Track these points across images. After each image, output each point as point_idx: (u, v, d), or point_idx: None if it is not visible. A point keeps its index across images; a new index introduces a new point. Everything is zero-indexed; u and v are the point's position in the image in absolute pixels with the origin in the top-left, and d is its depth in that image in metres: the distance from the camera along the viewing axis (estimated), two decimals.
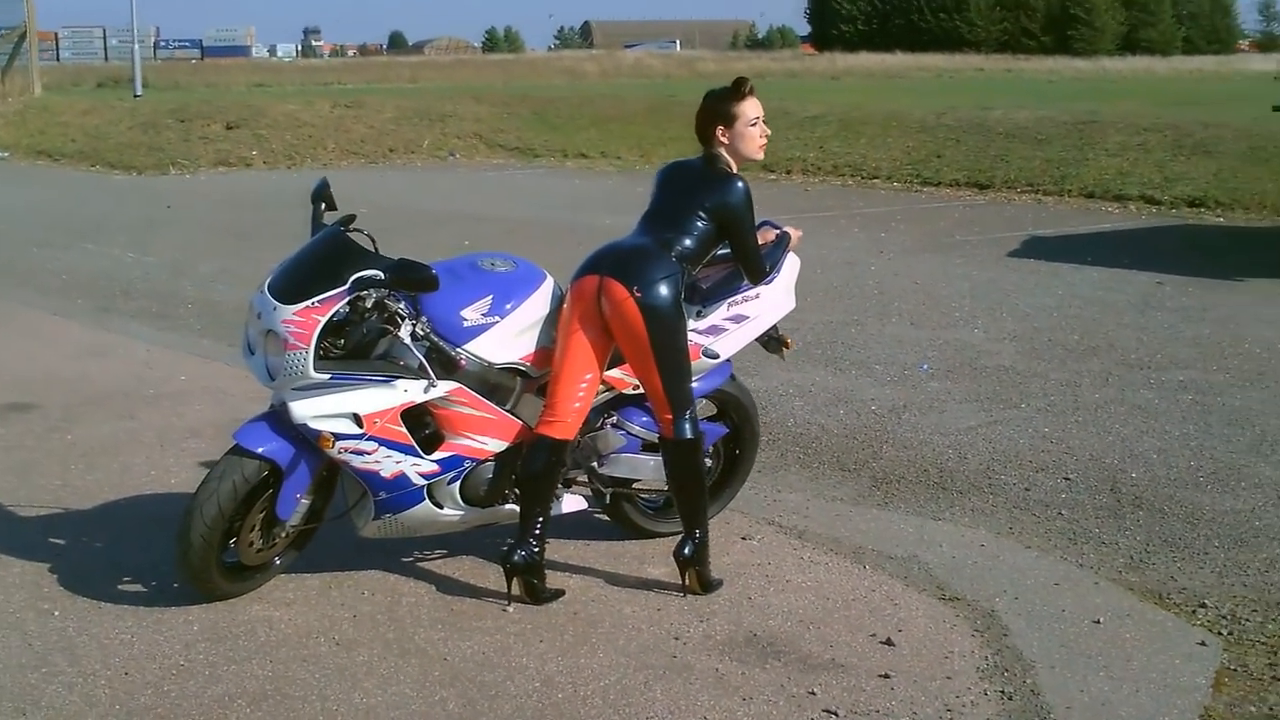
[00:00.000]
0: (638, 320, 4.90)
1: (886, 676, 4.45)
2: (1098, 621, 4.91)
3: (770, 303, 5.54)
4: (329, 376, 4.72)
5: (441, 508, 5.04)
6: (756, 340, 5.61)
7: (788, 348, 5.73)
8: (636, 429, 5.38)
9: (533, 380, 5.16)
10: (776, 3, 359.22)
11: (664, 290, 4.92)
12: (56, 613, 4.95)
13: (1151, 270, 12.69)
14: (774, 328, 5.63)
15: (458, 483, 5.02)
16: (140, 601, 5.05)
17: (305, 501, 5.00)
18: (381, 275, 4.75)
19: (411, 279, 4.73)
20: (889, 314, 10.61)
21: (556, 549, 5.40)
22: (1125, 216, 17.43)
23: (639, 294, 4.88)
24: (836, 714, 4.20)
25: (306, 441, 4.82)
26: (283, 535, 5.04)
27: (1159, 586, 5.29)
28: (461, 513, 5.09)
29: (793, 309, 5.66)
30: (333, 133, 27.85)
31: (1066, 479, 6.54)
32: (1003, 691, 4.37)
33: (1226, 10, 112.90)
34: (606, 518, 5.71)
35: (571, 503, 5.41)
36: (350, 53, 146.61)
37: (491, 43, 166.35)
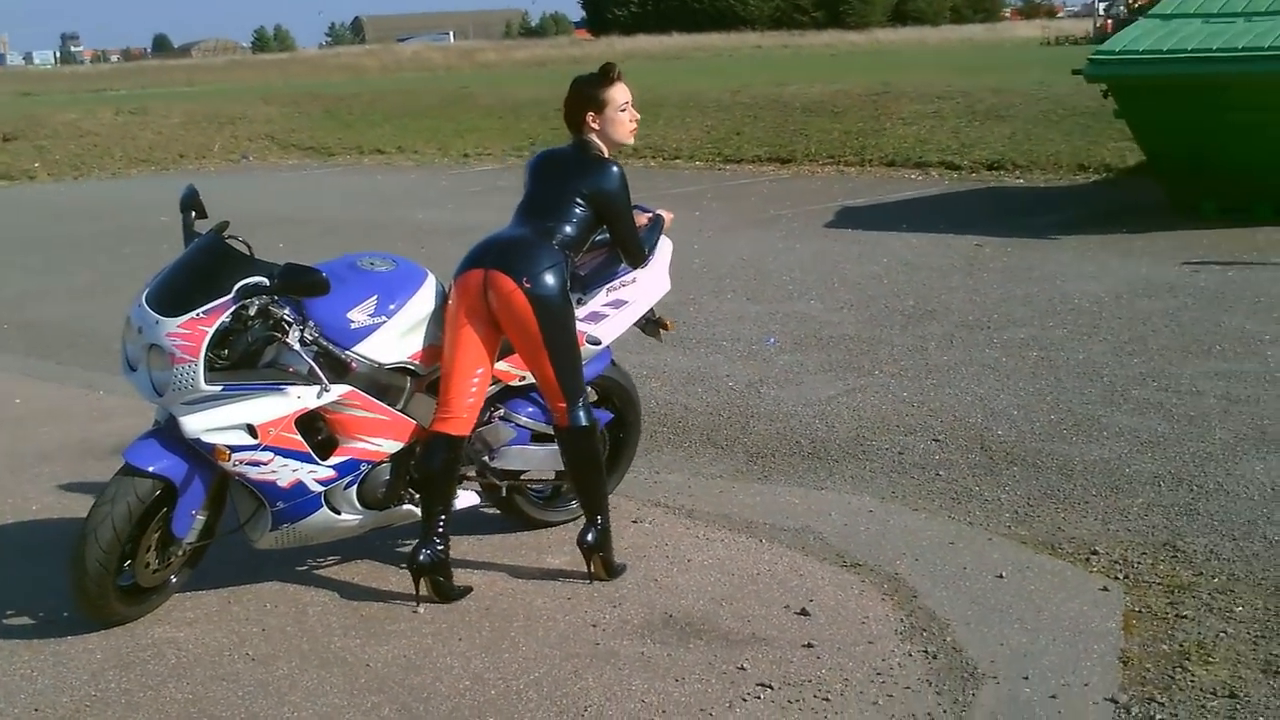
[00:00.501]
0: (527, 311, 4.86)
1: (810, 646, 4.49)
2: (1000, 576, 5.02)
3: (647, 286, 5.55)
4: (221, 388, 4.58)
5: (339, 513, 4.93)
6: (634, 324, 5.61)
7: (666, 329, 5.75)
8: (524, 420, 5.35)
9: (422, 379, 5.09)
10: None
11: (550, 280, 4.89)
12: None
13: (967, 233, 13.03)
14: (651, 310, 5.65)
15: (355, 487, 4.92)
16: (30, 634, 4.84)
17: (201, 518, 4.84)
18: (266, 282, 4.64)
19: (301, 284, 4.61)
20: (723, 291, 10.71)
21: (452, 546, 5.32)
22: (928, 183, 17.85)
23: (527, 285, 4.84)
24: (770, 686, 4.23)
25: (199, 456, 4.68)
26: (179, 554, 4.88)
27: (1049, 538, 5.42)
28: (360, 517, 4.99)
29: (668, 290, 5.69)
30: (119, 141, 27.06)
31: (936, 440, 6.68)
32: (925, 651, 4.44)
33: None
34: (496, 510, 5.65)
35: (464, 499, 5.34)
36: (114, 58, 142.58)
37: (261, 42, 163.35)
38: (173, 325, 4.54)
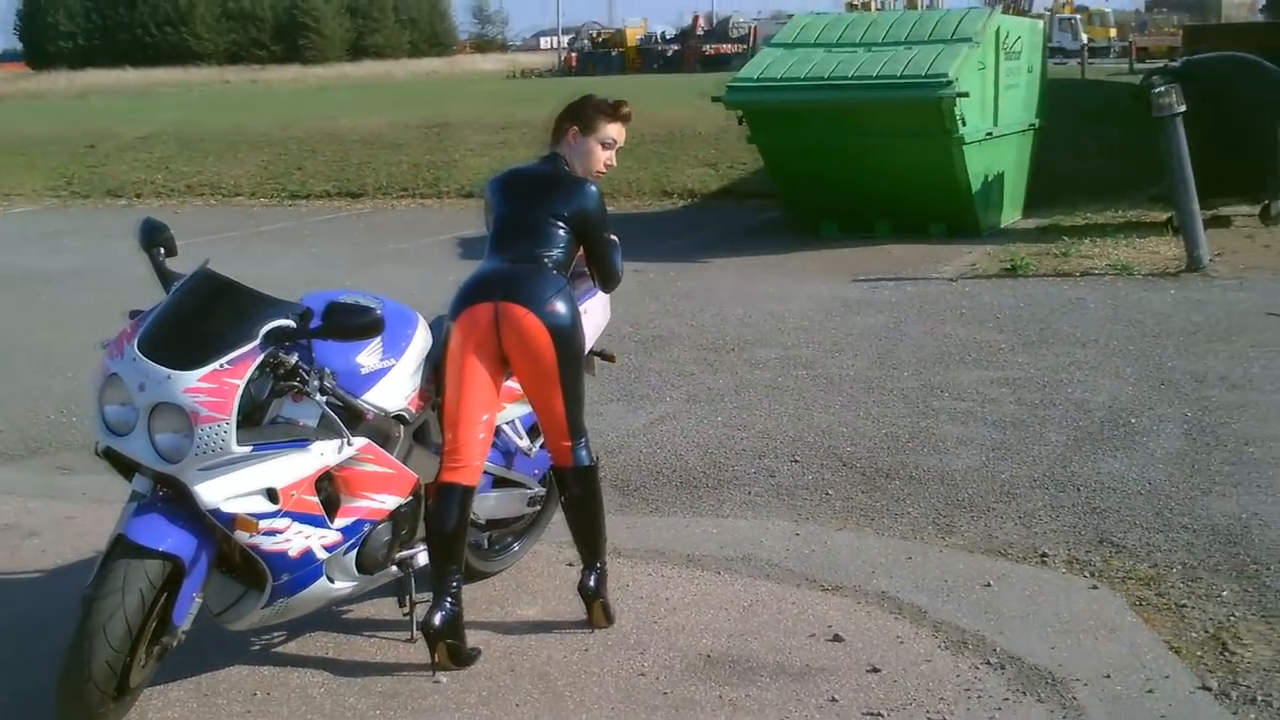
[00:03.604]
0: (547, 345, 4.56)
1: (877, 670, 4.42)
2: (989, 585, 5.10)
3: (595, 317, 5.32)
4: (250, 448, 4.04)
5: (333, 581, 4.42)
6: None
7: (611, 361, 5.51)
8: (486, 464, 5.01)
9: (410, 426, 4.66)
10: None
11: (565, 309, 4.62)
12: None
13: None
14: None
15: (355, 550, 4.43)
16: None
17: (199, 601, 4.23)
18: (293, 325, 4.14)
19: (353, 326, 4.13)
20: None
21: (387, 609, 4.91)
22: None
23: (547, 317, 4.54)
24: (880, 714, 4.13)
25: (203, 530, 4.10)
26: (172, 645, 4.23)
27: (988, 545, 5.55)
28: (353, 584, 4.49)
29: (608, 321, 5.48)
30: None
31: (795, 461, 6.69)
32: (989, 663, 4.45)
33: (443, 14, 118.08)
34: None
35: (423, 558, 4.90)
36: None
37: None
38: (191, 379, 3.96)
